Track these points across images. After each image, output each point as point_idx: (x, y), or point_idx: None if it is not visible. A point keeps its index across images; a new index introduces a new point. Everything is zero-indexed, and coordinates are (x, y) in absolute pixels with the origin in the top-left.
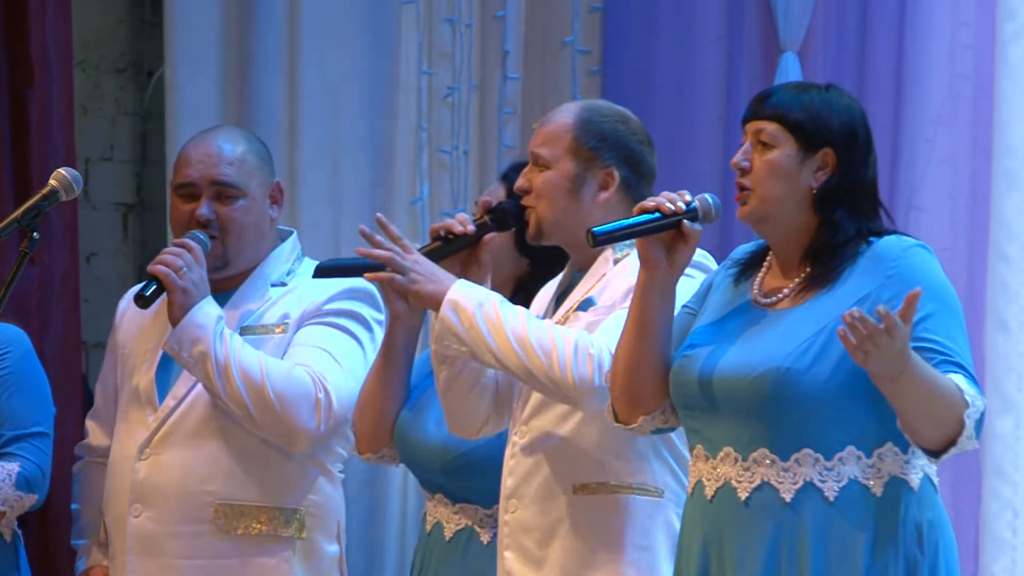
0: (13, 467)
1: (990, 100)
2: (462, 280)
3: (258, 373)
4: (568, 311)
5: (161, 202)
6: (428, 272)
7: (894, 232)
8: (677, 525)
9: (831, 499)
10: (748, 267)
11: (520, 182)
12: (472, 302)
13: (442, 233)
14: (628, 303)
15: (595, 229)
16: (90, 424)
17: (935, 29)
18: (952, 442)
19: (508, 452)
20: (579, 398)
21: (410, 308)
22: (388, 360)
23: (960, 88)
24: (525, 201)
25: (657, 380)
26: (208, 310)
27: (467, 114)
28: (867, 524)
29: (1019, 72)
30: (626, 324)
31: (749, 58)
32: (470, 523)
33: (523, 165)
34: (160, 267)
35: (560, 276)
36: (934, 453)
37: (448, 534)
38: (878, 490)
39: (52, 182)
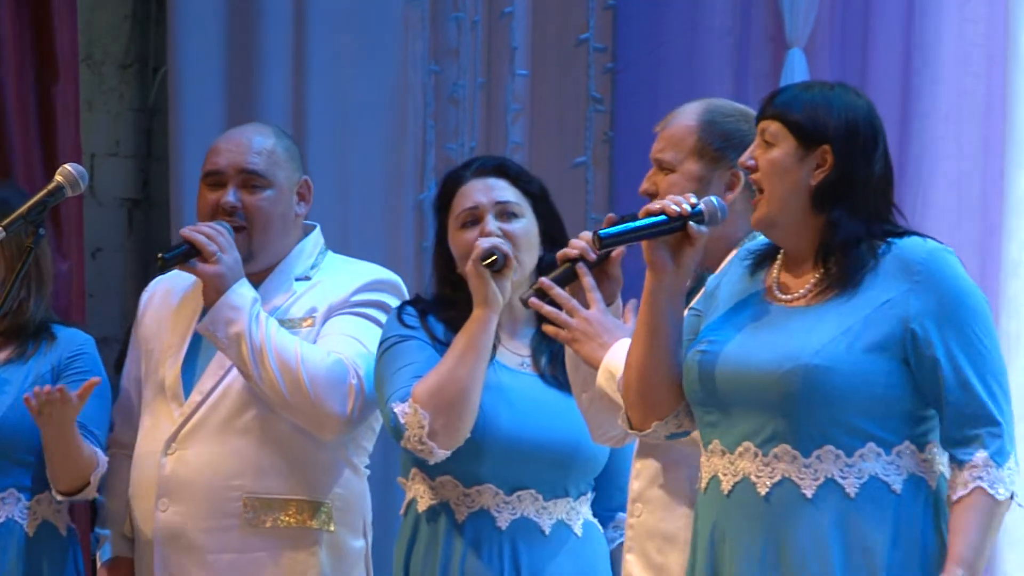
0: (106, 458)
1: (1002, 96)
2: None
3: (293, 357)
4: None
5: (166, 198)
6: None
7: (915, 233)
8: None
9: (852, 495)
10: (763, 259)
11: (645, 185)
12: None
13: (572, 256)
14: None
15: (601, 232)
16: (118, 421)
17: (943, 26)
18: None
19: (635, 454)
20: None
21: (504, 303)
22: (484, 356)
23: (969, 85)
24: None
25: (670, 385)
26: (243, 292)
27: (474, 111)
28: (887, 520)
29: None
30: (636, 329)
31: (756, 54)
32: (562, 517)
33: None
34: (201, 237)
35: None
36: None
37: (547, 529)
38: (898, 487)
39: (58, 178)
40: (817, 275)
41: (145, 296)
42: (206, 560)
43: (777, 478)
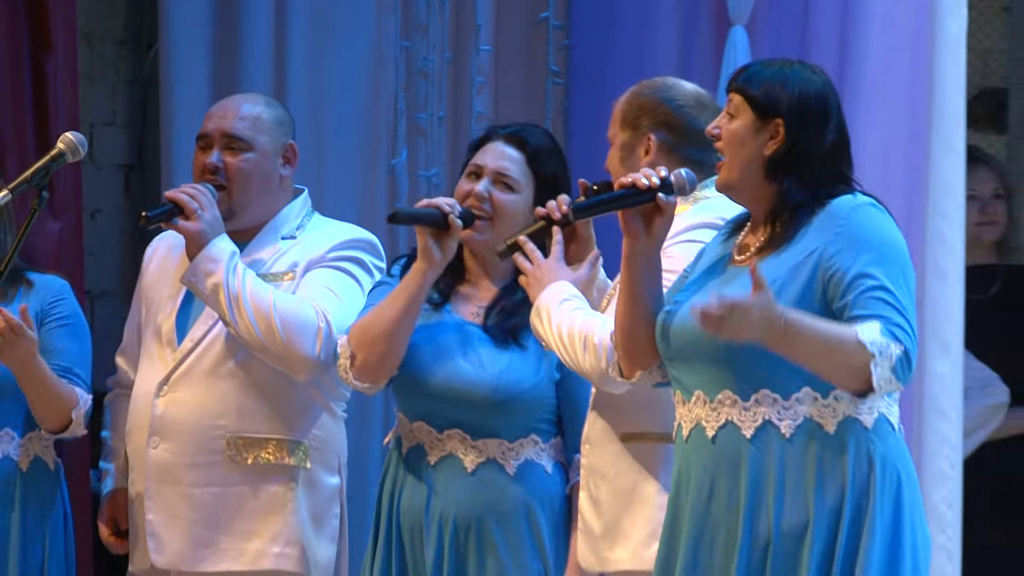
0: (88, 396)
1: (927, 69)
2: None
3: (267, 304)
4: None
5: (158, 163)
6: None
7: (853, 192)
8: None
9: (787, 435)
10: (736, 229)
11: (606, 163)
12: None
13: (542, 215)
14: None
15: (574, 204)
16: (119, 360)
17: (874, 5)
18: (869, 387)
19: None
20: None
21: (444, 259)
22: (415, 304)
23: (896, 59)
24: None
25: (650, 339)
26: (222, 246)
27: (442, 83)
28: (819, 458)
29: (955, 44)
30: (619, 291)
31: (701, 31)
32: (493, 455)
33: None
34: (184, 196)
35: None
36: (858, 394)
37: (470, 466)
38: (831, 428)
39: (60, 144)
40: (764, 236)
41: (149, 251)
42: (191, 493)
43: (722, 421)
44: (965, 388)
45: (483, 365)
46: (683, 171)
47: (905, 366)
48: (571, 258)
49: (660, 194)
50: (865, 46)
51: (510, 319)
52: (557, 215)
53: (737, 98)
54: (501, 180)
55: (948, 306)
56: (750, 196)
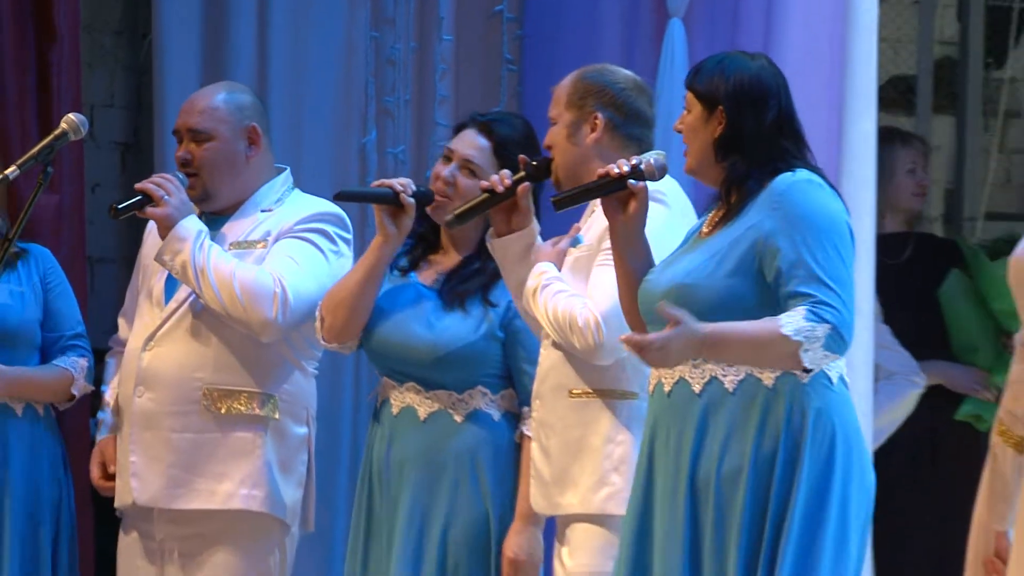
0: (84, 362)
1: (842, 57)
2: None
3: (228, 275)
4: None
5: (152, 142)
6: None
7: (799, 167)
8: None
9: (730, 389)
10: (712, 205)
11: (545, 141)
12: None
13: (486, 188)
14: (604, 243)
15: (552, 198)
16: (120, 321)
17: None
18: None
19: (540, 357)
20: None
21: (399, 234)
22: (372, 274)
23: (814, 48)
24: (552, 155)
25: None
26: (188, 226)
27: (407, 70)
28: (758, 409)
29: (867, 34)
30: (615, 269)
31: (642, 23)
32: (443, 406)
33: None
34: (151, 185)
35: None
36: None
37: (423, 415)
38: (770, 382)
39: (63, 125)
40: (721, 212)
41: (149, 224)
42: (170, 438)
43: (676, 378)
44: (890, 374)
45: (428, 326)
46: (651, 158)
47: (837, 339)
48: (512, 227)
49: (630, 180)
50: (788, 36)
51: (460, 285)
52: (500, 188)
53: (690, 95)
54: (467, 166)
55: (859, 272)
56: (708, 177)
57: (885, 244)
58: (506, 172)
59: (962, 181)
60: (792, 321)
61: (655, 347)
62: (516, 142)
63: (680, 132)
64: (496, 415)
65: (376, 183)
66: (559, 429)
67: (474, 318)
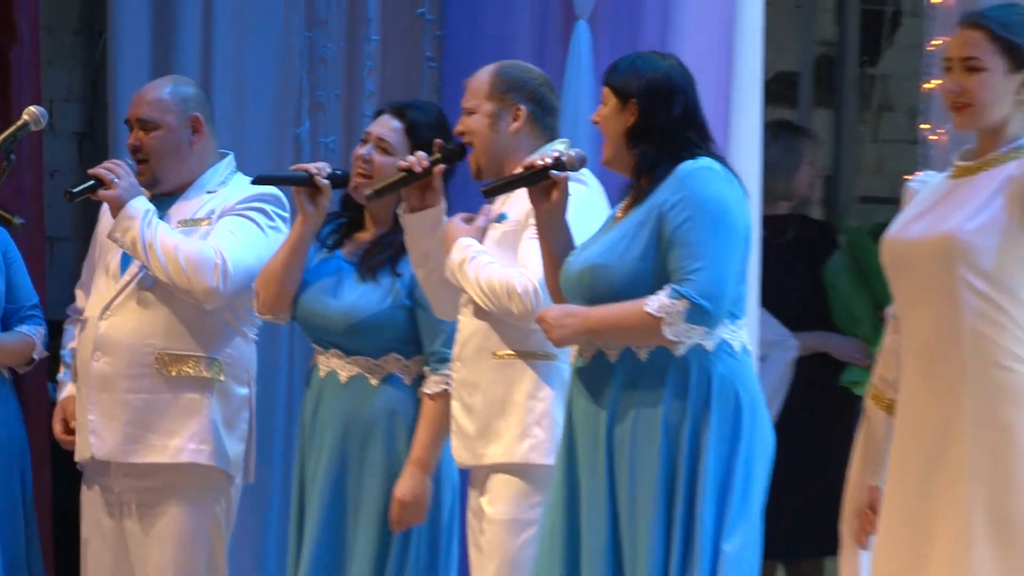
0: (42, 330)
1: (729, 55)
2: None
3: (173, 249)
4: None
5: (106, 132)
6: None
7: (702, 156)
8: (566, 378)
9: (643, 359)
10: (625, 193)
11: (458, 128)
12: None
13: (404, 168)
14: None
15: (483, 188)
16: (78, 292)
17: (688, 2)
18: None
19: (459, 324)
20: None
21: (317, 213)
22: (296, 251)
23: (706, 47)
24: (465, 140)
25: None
26: (137, 205)
27: (338, 67)
28: (667, 377)
29: (752, 34)
30: (540, 248)
31: (552, 24)
32: (361, 370)
33: (392, 108)
34: (103, 170)
35: None
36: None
37: (344, 379)
38: (678, 352)
39: (25, 116)
40: (633, 197)
41: (104, 205)
42: (125, 399)
43: (594, 351)
44: (768, 343)
45: (343, 296)
46: (574, 151)
47: (699, 312)
48: (424, 204)
49: (553, 171)
50: (682, 37)
51: (372, 258)
52: (418, 168)
53: (606, 89)
54: (381, 145)
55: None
56: (622, 166)
57: (770, 225)
58: (422, 154)
59: (839, 168)
60: (656, 300)
61: (541, 323)
62: (427, 125)
63: (597, 124)
64: (408, 379)
65: (295, 167)
66: (483, 387)
67: (383, 288)
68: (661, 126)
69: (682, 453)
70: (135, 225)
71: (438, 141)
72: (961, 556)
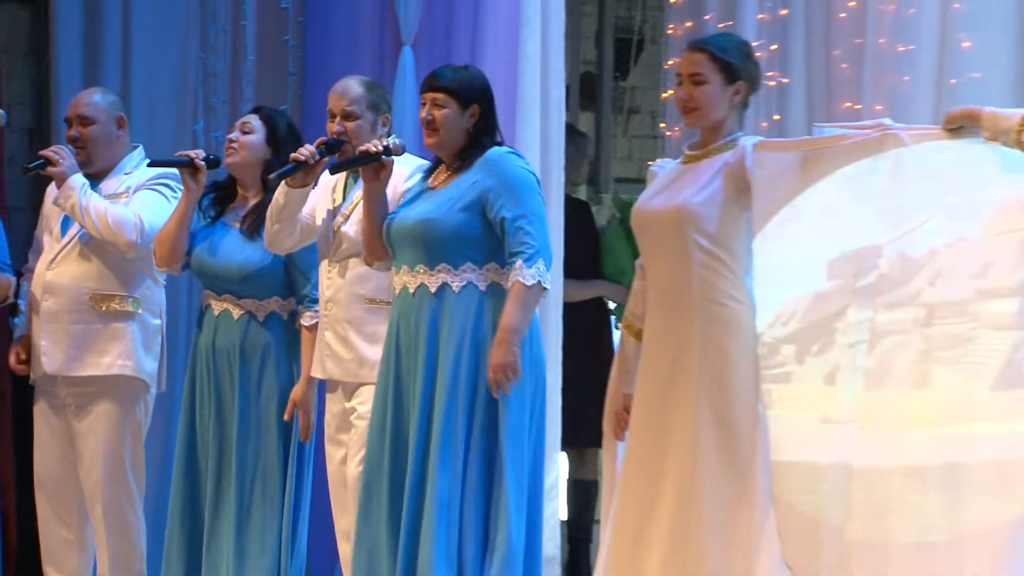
0: (12, 279)
1: (516, 71)
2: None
3: (103, 211)
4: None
5: (50, 129)
6: None
7: (501, 145)
8: None
9: (456, 291)
10: (432, 170)
11: (336, 129)
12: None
13: (297, 159)
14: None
15: (331, 164)
16: (31, 255)
17: (488, 33)
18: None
19: (325, 273)
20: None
21: (197, 187)
22: (183, 217)
23: (498, 72)
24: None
25: (381, 242)
26: (76, 179)
27: (225, 80)
28: (473, 308)
29: (532, 60)
30: (362, 212)
31: (387, 48)
32: (251, 310)
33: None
34: (51, 152)
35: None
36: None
37: (236, 316)
38: (483, 287)
39: None
40: (450, 172)
41: (50, 187)
42: (68, 328)
43: (419, 283)
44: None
45: (232, 253)
46: (397, 140)
47: (548, 263)
48: (303, 183)
49: (383, 156)
50: (485, 61)
51: (254, 222)
52: (302, 158)
53: (441, 95)
54: (243, 128)
55: (552, 225)
56: (451, 153)
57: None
58: (309, 147)
59: (599, 157)
60: (525, 274)
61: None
62: (279, 117)
63: (428, 122)
64: (284, 316)
65: (178, 153)
66: (357, 325)
67: (262, 246)
68: (489, 123)
69: (483, 357)
70: (74, 194)
71: (322, 139)
72: (691, 445)
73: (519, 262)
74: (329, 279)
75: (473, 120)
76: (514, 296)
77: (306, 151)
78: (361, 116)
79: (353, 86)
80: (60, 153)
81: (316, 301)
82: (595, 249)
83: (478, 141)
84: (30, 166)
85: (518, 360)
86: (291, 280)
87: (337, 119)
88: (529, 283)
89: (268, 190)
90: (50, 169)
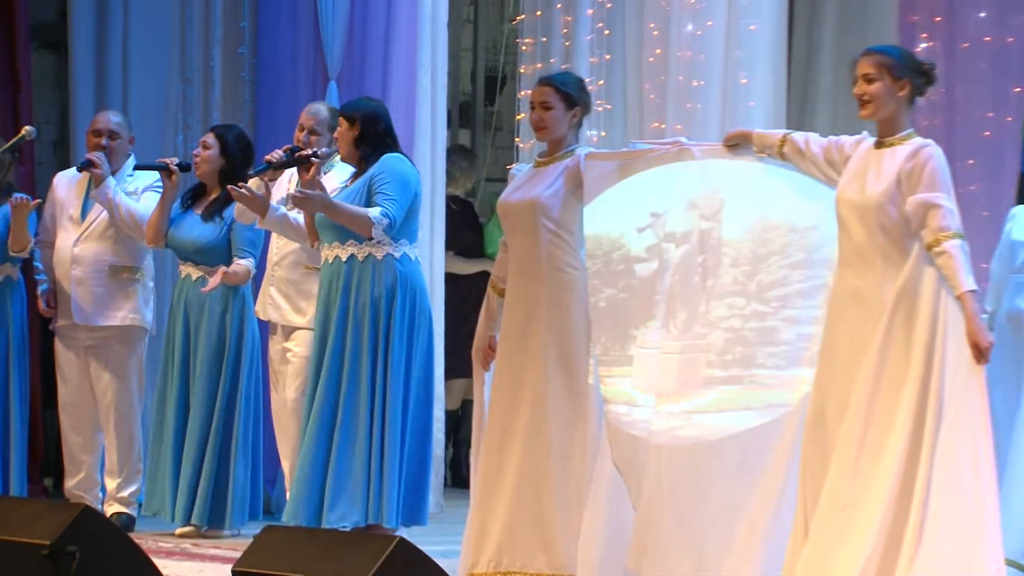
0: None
1: (415, 98)
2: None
3: (131, 210)
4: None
5: (68, 143)
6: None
7: (395, 152)
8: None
9: (361, 260)
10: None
11: (325, 149)
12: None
13: (270, 160)
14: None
15: (273, 163)
16: (42, 230)
17: (393, 70)
18: (371, 236)
19: (275, 241)
20: None
21: (173, 187)
22: (163, 209)
23: (397, 101)
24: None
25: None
26: (110, 182)
27: (199, 105)
28: (370, 271)
29: (425, 92)
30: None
31: (316, 81)
32: (204, 274)
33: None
34: (94, 157)
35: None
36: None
37: (195, 278)
38: (380, 256)
39: (23, 131)
40: (357, 173)
41: (56, 180)
42: (93, 290)
43: (335, 254)
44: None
45: (190, 231)
46: (327, 149)
47: (389, 228)
48: (272, 179)
49: (313, 158)
50: (390, 92)
51: (210, 210)
52: (274, 159)
53: (340, 118)
54: (203, 145)
55: (435, 217)
56: (352, 159)
57: (452, 200)
58: (278, 151)
59: (452, 164)
60: (375, 213)
61: (303, 203)
62: (235, 134)
63: (338, 139)
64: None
65: (158, 160)
66: (296, 283)
67: (216, 226)
68: (371, 134)
69: (382, 320)
70: (109, 192)
71: (287, 147)
72: (541, 376)
73: (377, 213)
74: (277, 247)
75: (355, 133)
76: (357, 214)
77: (276, 154)
78: (322, 133)
79: (322, 110)
80: (100, 158)
81: (246, 257)
82: (479, 236)
83: (363, 150)
84: (80, 164)
85: None
86: (232, 252)
87: (305, 131)
88: (376, 221)
89: (238, 183)
90: (94, 171)
